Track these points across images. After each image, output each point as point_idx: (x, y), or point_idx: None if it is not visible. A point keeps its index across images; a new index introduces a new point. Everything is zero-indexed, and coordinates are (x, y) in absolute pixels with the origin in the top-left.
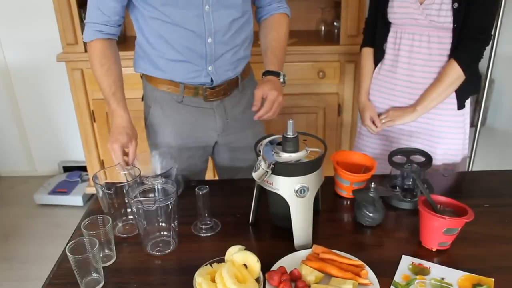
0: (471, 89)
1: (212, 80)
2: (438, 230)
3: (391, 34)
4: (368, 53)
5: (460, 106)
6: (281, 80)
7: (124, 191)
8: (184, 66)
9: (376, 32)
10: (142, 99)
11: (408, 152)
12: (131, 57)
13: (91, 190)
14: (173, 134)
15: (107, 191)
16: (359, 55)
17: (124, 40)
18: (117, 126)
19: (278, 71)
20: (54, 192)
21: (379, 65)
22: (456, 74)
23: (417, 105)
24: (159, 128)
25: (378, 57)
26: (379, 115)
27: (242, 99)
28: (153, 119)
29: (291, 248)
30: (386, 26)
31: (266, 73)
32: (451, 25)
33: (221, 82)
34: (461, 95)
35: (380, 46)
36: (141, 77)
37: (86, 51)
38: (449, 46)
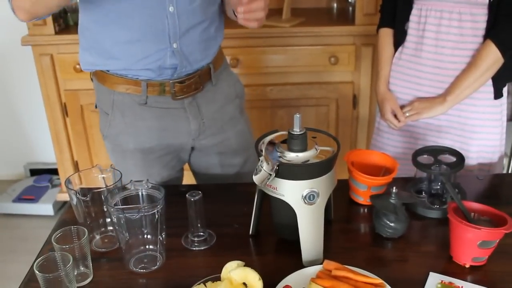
0: (509, 74)
1: (181, 63)
2: (472, 243)
3: (414, 11)
4: (386, 34)
5: (497, 94)
6: None
7: (103, 198)
8: (143, 46)
9: (396, 9)
10: (96, 106)
11: (435, 151)
12: None
13: (63, 197)
14: (139, 144)
15: (83, 198)
16: (377, 37)
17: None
18: None
19: None
20: (20, 199)
21: (400, 49)
22: (493, 58)
23: (447, 95)
24: (121, 139)
25: (399, 39)
26: (402, 107)
27: (216, 93)
28: (112, 128)
29: (299, 264)
30: (408, 2)
31: None
32: (487, 0)
33: (191, 71)
34: (498, 81)
35: (401, 26)
36: (92, 78)
37: (56, 32)
38: (483, 25)
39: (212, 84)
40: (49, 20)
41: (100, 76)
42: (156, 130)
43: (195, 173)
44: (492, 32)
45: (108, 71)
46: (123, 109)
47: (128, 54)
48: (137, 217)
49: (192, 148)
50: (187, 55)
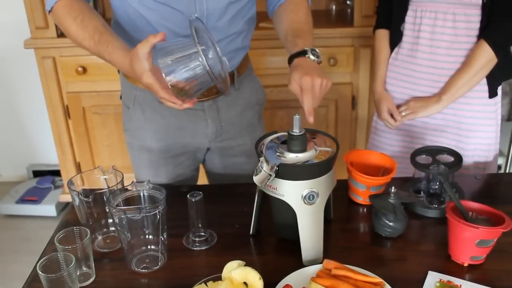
0: (503, 74)
1: None
2: (470, 242)
3: (409, 12)
4: (383, 35)
5: (492, 93)
6: (311, 57)
7: (105, 199)
8: None
9: (392, 10)
10: (121, 98)
11: (433, 151)
12: None
13: (66, 198)
14: (156, 141)
15: (85, 199)
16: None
17: None
18: (133, 73)
19: (304, 48)
20: (23, 200)
21: (396, 49)
22: (487, 57)
23: (442, 94)
24: (139, 134)
25: (395, 40)
26: (398, 107)
27: (238, 98)
28: (132, 123)
29: (299, 264)
30: (403, 3)
31: (292, 58)
32: (480, 1)
33: None
34: (493, 80)
35: (397, 27)
36: (118, 71)
37: (58, 35)
38: (477, 26)
39: (235, 89)
40: (51, 23)
41: None
42: (174, 128)
43: (209, 173)
44: (486, 32)
45: None
46: (143, 105)
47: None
48: (139, 217)
49: (208, 149)
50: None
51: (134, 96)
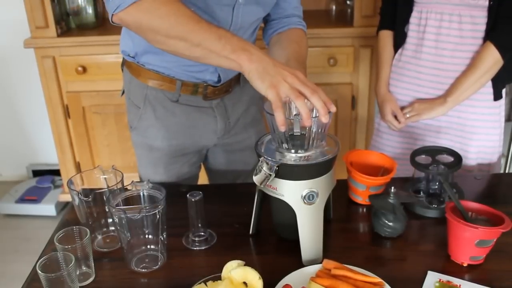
0: (509, 76)
1: (219, 78)
2: (470, 242)
3: (414, 14)
4: (386, 36)
5: (497, 96)
6: None
7: (104, 198)
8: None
9: (396, 12)
10: (122, 94)
11: (433, 151)
12: (112, 43)
13: (66, 197)
14: (166, 139)
15: (85, 199)
16: (375, 39)
17: (103, 22)
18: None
19: None
20: (22, 200)
21: (399, 51)
22: (493, 59)
23: (447, 96)
24: (149, 132)
25: (399, 41)
26: (402, 108)
27: (243, 95)
28: (142, 122)
29: (298, 263)
30: (408, 4)
31: None
32: (487, 3)
33: (226, 80)
34: (498, 83)
35: (401, 28)
36: (122, 69)
37: (58, 35)
38: (483, 27)
39: (240, 86)
40: (51, 23)
41: (134, 69)
42: (185, 127)
43: (210, 170)
44: (492, 34)
45: (143, 65)
46: (155, 104)
47: (171, 58)
48: (139, 217)
49: (213, 145)
50: (227, 71)
51: (145, 95)
